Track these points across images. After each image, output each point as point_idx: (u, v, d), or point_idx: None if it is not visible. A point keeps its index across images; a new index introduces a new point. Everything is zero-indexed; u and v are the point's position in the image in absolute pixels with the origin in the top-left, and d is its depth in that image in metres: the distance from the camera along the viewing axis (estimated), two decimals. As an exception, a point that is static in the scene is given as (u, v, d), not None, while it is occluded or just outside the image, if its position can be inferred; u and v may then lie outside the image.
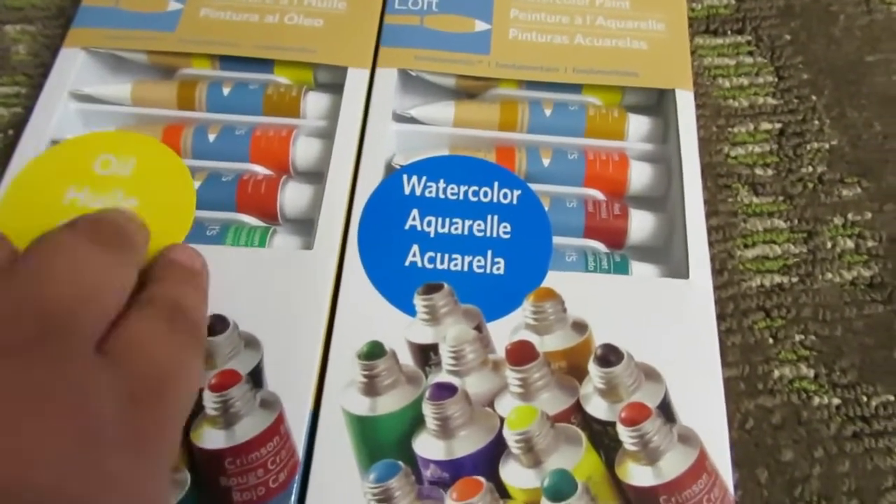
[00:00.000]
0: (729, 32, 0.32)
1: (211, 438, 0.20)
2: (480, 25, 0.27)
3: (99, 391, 0.15)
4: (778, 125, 0.29)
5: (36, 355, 0.15)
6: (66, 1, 0.32)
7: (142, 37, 0.27)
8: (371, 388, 0.21)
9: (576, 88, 0.27)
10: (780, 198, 0.28)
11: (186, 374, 0.18)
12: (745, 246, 0.27)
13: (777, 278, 0.26)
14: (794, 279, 0.26)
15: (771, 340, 0.25)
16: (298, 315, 0.22)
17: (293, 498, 0.20)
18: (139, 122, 0.27)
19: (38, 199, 0.24)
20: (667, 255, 0.25)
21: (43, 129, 0.26)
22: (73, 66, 0.27)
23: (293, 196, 0.25)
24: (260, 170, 0.26)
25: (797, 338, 0.25)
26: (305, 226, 0.25)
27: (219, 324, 0.22)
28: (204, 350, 0.20)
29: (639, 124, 0.27)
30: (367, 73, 0.27)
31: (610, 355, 0.22)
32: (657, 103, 0.28)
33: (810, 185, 0.28)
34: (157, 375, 0.17)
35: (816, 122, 0.29)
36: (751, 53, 0.31)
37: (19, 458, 0.13)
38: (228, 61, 0.27)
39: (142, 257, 0.20)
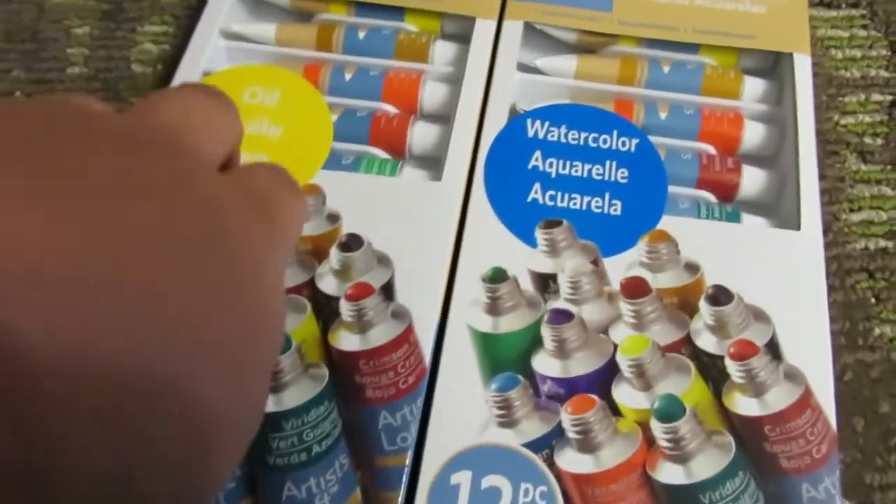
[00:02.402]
0: (843, 5, 0.32)
1: (347, 341, 0.22)
2: (604, -16, 0.29)
3: (221, 187, 0.15)
4: (889, 97, 0.30)
5: (157, 151, 0.14)
6: (210, -51, 0.34)
7: (286, -18, 0.29)
8: (494, 308, 0.23)
9: (693, 49, 0.28)
10: (889, 166, 0.28)
11: (294, 202, 0.18)
12: (852, 210, 0.27)
13: (882, 242, 0.27)
14: (899, 244, 0.27)
15: (873, 300, 0.26)
16: (427, 238, 0.24)
17: (421, 398, 0.22)
18: (281, 60, 0.29)
19: (193, 123, 0.26)
20: (776, 210, 0.26)
21: (196, 62, 0.28)
22: (223, 6, 0.29)
23: (422, 134, 0.27)
24: (391, 109, 0.28)
25: (900, 299, 0.26)
26: (432, 163, 0.27)
27: (354, 241, 0.24)
28: (304, 201, 0.19)
29: (754, 85, 0.28)
30: (494, 24, 0.28)
31: (720, 295, 0.23)
32: (772, 67, 0.28)
33: (920, 157, 0.28)
34: (270, 194, 0.17)
35: (929, 96, 0.30)
36: (865, 27, 0.31)
37: (149, 239, 0.12)
38: (363, 7, 0.29)
39: (241, 125, 0.18)
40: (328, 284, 0.23)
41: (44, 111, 0.13)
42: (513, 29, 0.28)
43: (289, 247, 0.18)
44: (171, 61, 0.30)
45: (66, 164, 0.12)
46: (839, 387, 0.24)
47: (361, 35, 0.29)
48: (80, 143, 0.13)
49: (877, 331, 0.25)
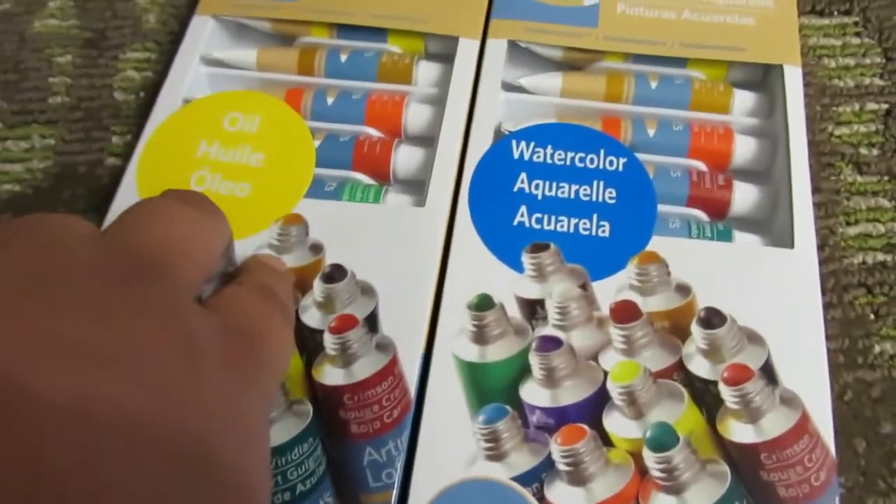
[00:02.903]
0: (836, 13, 0.31)
1: (331, 375, 0.22)
2: (589, 0, 0.28)
3: (201, 328, 0.15)
4: (884, 106, 0.29)
5: (133, 290, 0.14)
6: (192, -27, 0.34)
7: (266, 6, 0.29)
8: (480, 336, 0.22)
9: (681, 63, 0.28)
10: (885, 177, 0.28)
11: (280, 335, 0.18)
12: (848, 223, 0.27)
13: (880, 256, 0.26)
14: (898, 258, 0.26)
15: (872, 316, 0.25)
16: (411, 267, 0.23)
17: (406, 432, 0.21)
18: (263, 85, 0.28)
19: (173, 152, 0.26)
20: (769, 227, 0.25)
21: (177, 89, 0.28)
22: (204, 33, 0.29)
23: (405, 157, 0.26)
24: (374, 132, 0.27)
25: (900, 315, 0.25)
26: (416, 187, 0.26)
27: (337, 272, 0.23)
28: (293, 328, 0.19)
29: (744, 99, 0.27)
30: (478, 43, 0.28)
31: (713, 318, 0.22)
32: (762, 79, 0.28)
33: (917, 166, 0.28)
34: (254, 329, 0.17)
35: (925, 103, 0.29)
36: (858, 34, 0.31)
37: (123, 374, 0.13)
38: (345, 30, 0.29)
39: (228, 234, 0.19)
40: (312, 317, 0.23)
41: (22, 249, 0.14)
42: (497, 48, 0.28)
43: (276, 381, 0.18)
44: (154, 88, 0.29)
45: (42, 319, 0.13)
46: (839, 407, 0.24)
47: (343, 58, 0.28)
48: (55, 296, 0.13)
49: (877, 348, 0.25)
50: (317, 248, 0.24)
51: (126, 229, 0.15)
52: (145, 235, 0.15)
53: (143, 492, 0.12)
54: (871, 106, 0.29)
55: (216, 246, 0.17)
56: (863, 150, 0.28)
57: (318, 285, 0.23)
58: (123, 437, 0.12)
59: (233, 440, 0.14)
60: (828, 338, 0.24)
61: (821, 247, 0.26)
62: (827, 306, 0.25)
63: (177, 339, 0.14)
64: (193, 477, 0.13)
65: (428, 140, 0.27)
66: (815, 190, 0.27)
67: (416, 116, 0.27)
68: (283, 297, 0.19)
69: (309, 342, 0.22)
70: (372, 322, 0.23)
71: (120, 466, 0.11)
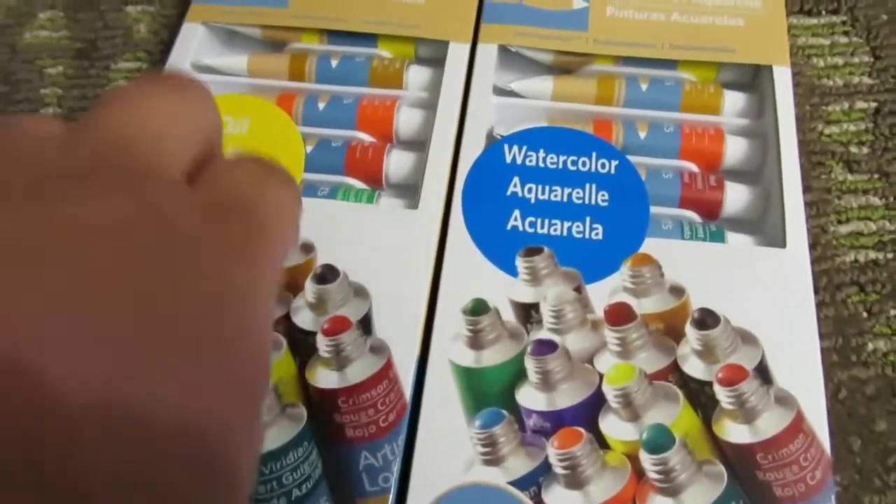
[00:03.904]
0: (824, 12, 0.32)
1: (325, 378, 0.22)
2: (578, 3, 0.28)
3: (168, 199, 0.13)
4: (874, 104, 0.29)
5: (107, 178, 0.13)
6: (182, -18, 0.34)
7: (256, 12, 0.29)
8: (476, 341, 0.22)
9: (671, 65, 0.28)
10: (876, 175, 0.28)
11: (276, 198, 0.15)
12: (839, 222, 0.27)
13: (872, 254, 0.26)
14: (890, 255, 0.26)
15: (865, 314, 0.25)
16: (405, 269, 0.23)
17: (402, 437, 0.21)
18: (254, 91, 0.28)
19: (165, 160, 0.26)
20: (761, 227, 0.25)
21: (168, 97, 0.28)
22: (194, 40, 0.29)
23: (398, 162, 0.26)
24: (366, 137, 0.27)
25: (892, 312, 0.25)
26: (408, 191, 0.26)
27: (330, 273, 0.23)
28: (299, 197, 0.17)
29: (734, 100, 0.27)
30: (468, 47, 0.28)
31: (707, 318, 0.22)
32: (752, 80, 0.28)
33: (907, 164, 0.28)
34: (243, 196, 0.15)
35: (914, 101, 0.29)
36: (846, 33, 0.31)
37: (107, 267, 0.11)
38: (336, 36, 0.29)
39: (214, 106, 0.16)
40: (304, 319, 0.23)
41: None
42: (487, 52, 0.28)
43: (274, 252, 0.15)
44: (145, 97, 0.29)
45: (25, 226, 0.11)
46: (834, 405, 0.24)
47: (334, 63, 0.28)
48: (35, 197, 0.12)
49: (870, 346, 0.25)
50: (308, 248, 0.24)
51: (97, 123, 0.14)
52: (118, 126, 0.13)
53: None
54: (861, 104, 0.29)
55: (203, 126, 0.15)
56: (853, 149, 0.28)
57: (309, 286, 0.23)
58: (67, 317, 0.11)
59: (213, 324, 0.12)
60: (821, 336, 0.24)
61: (813, 246, 0.26)
62: (820, 305, 0.25)
63: (137, 217, 0.12)
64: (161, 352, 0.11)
65: (420, 144, 0.27)
66: (806, 189, 0.27)
67: (407, 121, 0.27)
68: (288, 173, 0.16)
69: (302, 344, 0.22)
70: (366, 324, 0.23)
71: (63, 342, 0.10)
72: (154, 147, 0.14)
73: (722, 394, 0.21)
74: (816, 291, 0.25)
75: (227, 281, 0.13)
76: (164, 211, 0.13)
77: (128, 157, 0.13)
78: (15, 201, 0.12)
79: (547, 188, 0.25)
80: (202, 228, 0.13)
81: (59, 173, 0.12)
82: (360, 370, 0.22)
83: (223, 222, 0.14)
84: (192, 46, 0.29)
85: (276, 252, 0.15)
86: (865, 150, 0.28)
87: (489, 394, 0.22)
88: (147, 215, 0.12)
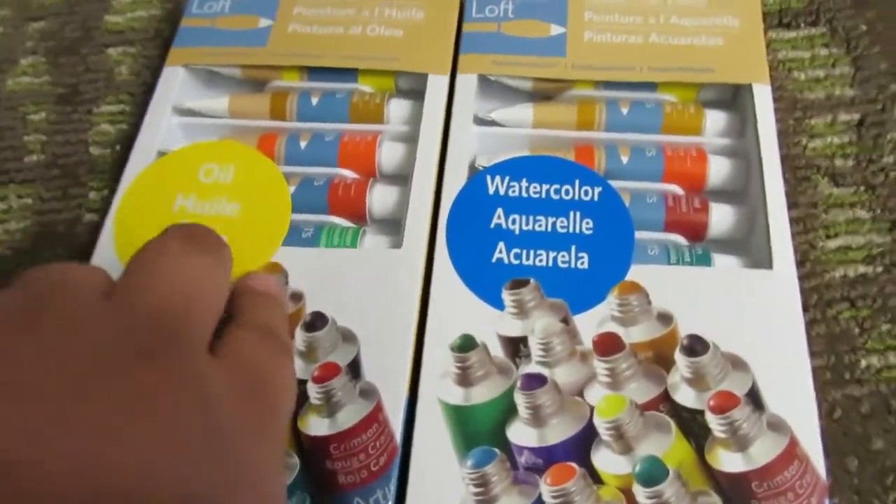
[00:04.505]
0: (803, 25, 0.32)
1: (316, 426, 0.22)
2: (556, 29, 0.28)
3: (215, 386, 0.16)
4: (856, 116, 0.29)
5: (153, 363, 0.15)
6: (161, 23, 0.34)
7: (236, 53, 0.29)
8: (464, 378, 0.22)
9: (651, 87, 0.28)
10: (862, 188, 0.28)
11: (286, 375, 0.19)
12: (827, 237, 0.27)
13: (861, 268, 0.26)
14: (879, 269, 0.26)
15: (857, 330, 0.25)
16: (391, 310, 0.23)
17: (394, 480, 0.21)
18: (236, 132, 0.28)
19: (150, 207, 0.26)
20: (748, 247, 0.25)
21: (150, 142, 0.28)
22: (175, 83, 0.29)
23: (381, 198, 0.26)
24: (348, 174, 0.27)
25: (884, 327, 0.25)
26: (393, 225, 0.26)
27: (318, 320, 0.23)
28: (293, 364, 0.20)
29: (715, 119, 0.27)
30: (447, 78, 0.28)
31: (696, 345, 0.22)
32: (733, 98, 0.28)
33: (892, 175, 0.28)
34: (264, 374, 0.18)
35: (897, 111, 0.29)
36: (826, 45, 0.31)
37: (146, 458, 0.14)
38: (316, 72, 0.29)
39: (231, 266, 0.20)
40: (295, 367, 0.23)
41: (36, 325, 0.15)
42: (467, 82, 0.28)
43: (287, 425, 0.19)
44: (129, 141, 0.29)
45: (50, 399, 0.14)
46: (829, 425, 0.23)
47: (315, 101, 0.28)
48: (63, 373, 0.14)
49: (863, 362, 0.24)
50: (297, 297, 0.24)
51: (135, 292, 0.16)
52: (154, 296, 0.16)
53: None
54: (844, 117, 0.29)
55: (224, 285, 0.18)
56: (837, 162, 0.28)
57: (299, 334, 0.23)
58: (124, 500, 0.13)
59: (247, 496, 0.15)
60: (813, 354, 0.24)
61: (801, 262, 0.26)
62: (811, 322, 0.25)
63: (191, 400, 0.15)
64: None
65: (402, 178, 0.27)
66: (792, 205, 0.27)
67: (389, 155, 0.27)
68: (283, 334, 0.20)
69: (293, 394, 0.22)
70: (355, 368, 0.23)
71: None
72: (187, 319, 0.16)
73: (714, 422, 0.21)
74: (807, 309, 0.25)
75: (252, 461, 0.16)
76: (202, 388, 0.15)
77: (165, 330, 0.16)
78: (80, 377, 0.14)
79: (531, 218, 0.25)
80: (232, 406, 0.16)
81: (112, 346, 0.15)
82: (350, 415, 0.22)
83: (248, 401, 0.16)
84: (174, 89, 0.29)
85: (288, 423, 0.19)
86: (850, 162, 0.28)
87: (480, 432, 0.22)
88: (194, 398, 0.15)
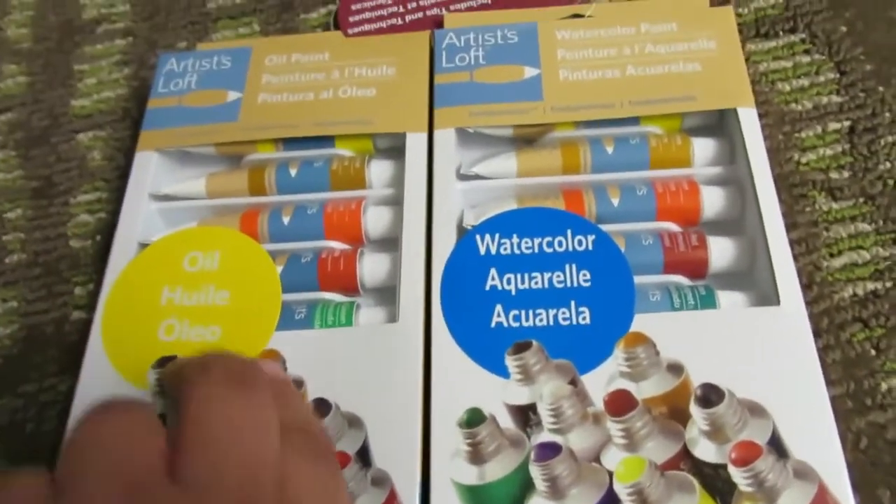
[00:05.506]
0: (781, 33, 0.31)
1: (330, 522, 0.21)
2: (530, 71, 0.28)
3: None
4: (847, 123, 0.28)
5: None
6: (129, 102, 0.33)
7: (207, 131, 0.28)
8: (476, 455, 0.22)
9: (634, 120, 0.27)
10: (861, 199, 0.27)
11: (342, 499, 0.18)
12: (832, 255, 0.26)
13: (870, 285, 0.25)
14: (889, 284, 0.25)
15: (873, 352, 0.24)
16: (394, 389, 0.23)
17: (417, 574, 0.20)
18: (217, 212, 0.28)
19: (136, 304, 0.25)
20: (752, 279, 0.24)
21: (130, 231, 0.27)
22: (149, 168, 0.28)
23: (371, 268, 0.26)
24: (336, 245, 0.26)
25: (901, 346, 0.24)
26: (386, 293, 0.26)
27: (321, 407, 0.23)
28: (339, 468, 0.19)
29: (703, 147, 0.26)
30: (425, 135, 0.27)
31: (711, 395, 0.21)
32: (719, 122, 0.27)
33: (890, 183, 0.27)
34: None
35: (887, 114, 0.28)
36: (807, 52, 0.30)
37: None
38: (291, 141, 0.28)
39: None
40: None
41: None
42: (445, 137, 0.27)
43: None
44: (109, 230, 0.29)
45: None
46: (856, 457, 0.23)
47: (293, 172, 0.28)
48: None
49: (883, 386, 0.24)
50: (297, 384, 0.23)
51: (198, 463, 0.16)
52: (218, 467, 0.16)
53: None
54: (834, 125, 0.28)
55: (274, 427, 0.17)
56: (833, 175, 0.27)
57: (302, 426, 0.22)
58: None
59: None
60: (831, 383, 0.24)
61: (807, 286, 0.25)
62: (824, 349, 0.24)
63: None
64: None
65: (391, 242, 0.26)
66: (793, 225, 0.26)
67: (375, 221, 0.27)
68: (320, 433, 0.19)
69: (302, 491, 0.22)
70: (364, 456, 0.22)
71: None
72: (244, 473, 0.16)
73: (738, 476, 0.20)
74: (819, 335, 0.25)
75: None
76: None
77: (241, 491, 0.15)
78: None
79: (526, 276, 0.24)
80: None
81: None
82: (364, 506, 0.21)
83: None
84: (149, 174, 0.28)
85: None
86: (846, 173, 0.27)
87: (499, 511, 0.21)
88: None
